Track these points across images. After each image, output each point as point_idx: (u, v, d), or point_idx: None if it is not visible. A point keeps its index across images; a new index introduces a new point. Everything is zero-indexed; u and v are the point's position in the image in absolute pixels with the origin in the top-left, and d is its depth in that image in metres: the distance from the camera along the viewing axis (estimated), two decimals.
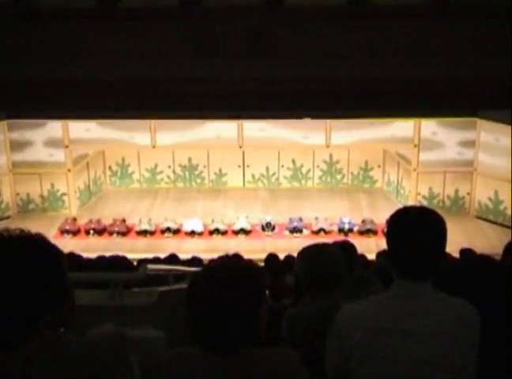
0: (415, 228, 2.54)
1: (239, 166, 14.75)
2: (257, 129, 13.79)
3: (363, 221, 13.03)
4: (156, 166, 14.91)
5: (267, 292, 2.40)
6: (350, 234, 12.57)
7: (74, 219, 13.30)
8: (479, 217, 13.53)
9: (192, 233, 12.88)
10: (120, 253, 9.31)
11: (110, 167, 15.07)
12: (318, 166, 14.80)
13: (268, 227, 12.99)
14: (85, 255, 9.21)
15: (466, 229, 12.73)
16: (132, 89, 10.88)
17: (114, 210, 13.92)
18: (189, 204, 14.17)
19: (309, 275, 3.45)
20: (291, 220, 13.11)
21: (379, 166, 14.86)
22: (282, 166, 14.81)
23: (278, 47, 10.89)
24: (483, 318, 2.52)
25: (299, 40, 10.91)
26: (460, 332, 2.48)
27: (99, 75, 10.74)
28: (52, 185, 13.92)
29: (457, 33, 10.69)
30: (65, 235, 12.89)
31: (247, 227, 12.98)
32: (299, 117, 12.86)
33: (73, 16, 10.86)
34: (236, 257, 8.27)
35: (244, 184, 14.93)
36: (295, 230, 12.89)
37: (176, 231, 12.97)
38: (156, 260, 8.99)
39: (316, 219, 13.09)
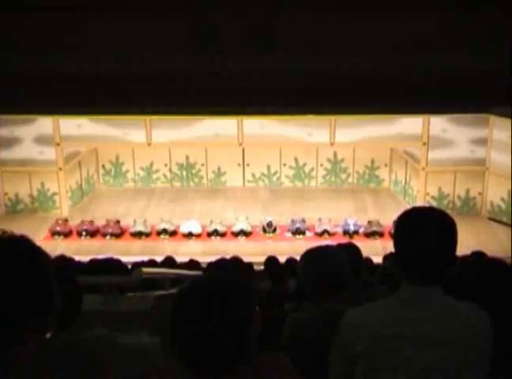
0: (423, 230, 2.53)
1: (239, 165, 14.75)
2: (257, 126, 13.72)
3: (369, 222, 13.02)
4: (151, 164, 14.91)
5: (266, 296, 2.77)
6: (355, 237, 12.55)
7: (66, 220, 13.26)
8: (491, 218, 13.53)
9: (189, 235, 12.86)
10: (114, 256, 9.32)
11: (103, 166, 15.08)
12: (321, 165, 14.83)
13: (269, 228, 12.96)
14: (77, 258, 9.20)
15: (477, 231, 12.70)
16: (129, 84, 10.88)
17: (107, 211, 13.91)
18: (186, 205, 14.18)
19: (312, 279, 3.45)
20: (293, 221, 13.07)
21: (386, 165, 14.88)
22: (284, 164, 14.81)
23: (279, 41, 10.95)
24: (495, 324, 2.51)
25: (301, 34, 10.93)
26: (469, 339, 2.47)
27: (94, 69, 10.79)
28: (42, 184, 13.86)
29: (469, 26, 10.78)
30: (56, 237, 12.86)
31: (247, 228, 12.97)
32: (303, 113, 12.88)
33: (67, 8, 10.84)
34: (234, 260, 8.27)
35: (244, 183, 14.94)
36: (298, 232, 12.88)
37: (173, 233, 12.98)
38: (152, 264, 9.03)
39: (319, 220, 13.08)
